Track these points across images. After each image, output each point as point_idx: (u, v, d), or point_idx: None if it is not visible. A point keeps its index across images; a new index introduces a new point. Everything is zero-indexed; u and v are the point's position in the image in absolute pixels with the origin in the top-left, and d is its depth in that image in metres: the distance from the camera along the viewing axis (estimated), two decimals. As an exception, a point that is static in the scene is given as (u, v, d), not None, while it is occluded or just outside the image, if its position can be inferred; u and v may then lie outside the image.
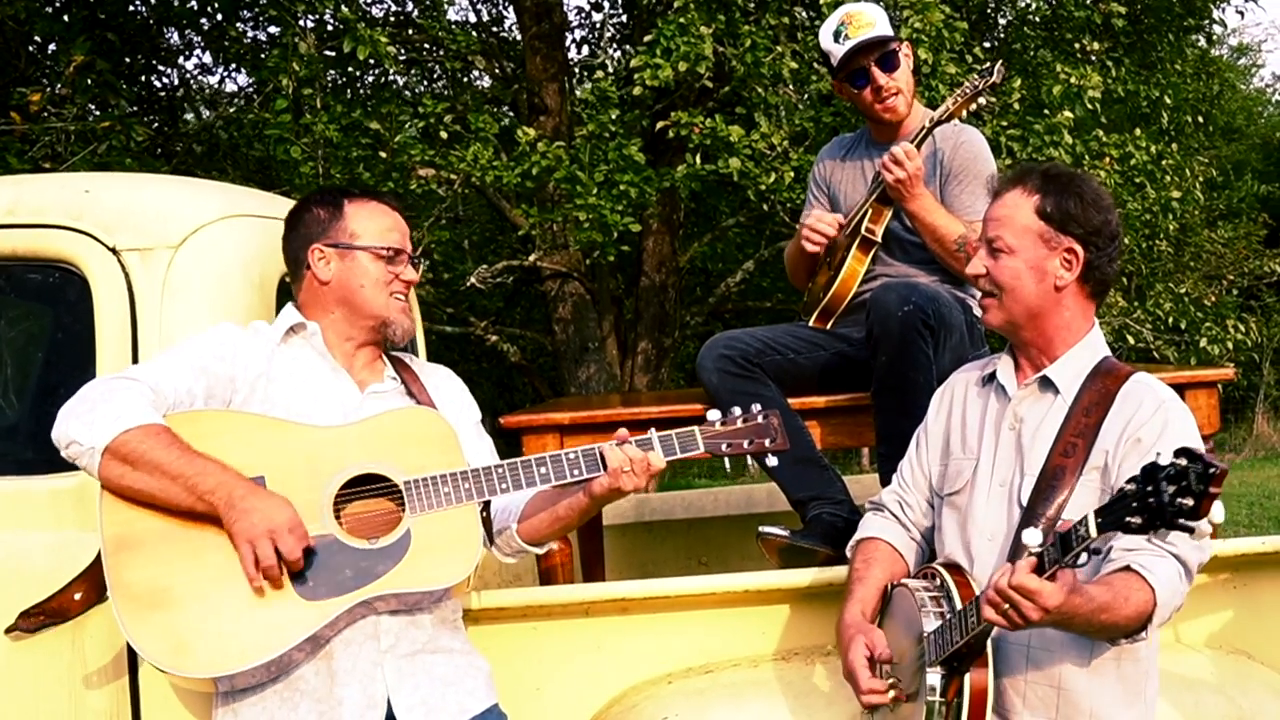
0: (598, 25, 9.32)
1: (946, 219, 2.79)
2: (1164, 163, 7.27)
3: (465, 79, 9.09)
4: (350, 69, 7.85)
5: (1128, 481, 1.54)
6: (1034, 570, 1.64)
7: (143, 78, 8.13)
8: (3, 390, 2.68)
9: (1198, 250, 11.79)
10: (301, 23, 6.75)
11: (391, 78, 8.44)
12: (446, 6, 8.67)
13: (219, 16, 7.50)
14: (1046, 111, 6.72)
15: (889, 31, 2.89)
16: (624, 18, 9.22)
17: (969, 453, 2.09)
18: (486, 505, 2.17)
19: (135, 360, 2.23)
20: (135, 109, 7.53)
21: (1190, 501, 1.47)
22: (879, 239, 2.89)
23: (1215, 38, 10.70)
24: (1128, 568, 1.79)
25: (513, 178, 6.40)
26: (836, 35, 2.89)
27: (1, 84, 6.58)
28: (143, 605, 1.86)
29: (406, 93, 8.93)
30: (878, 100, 2.90)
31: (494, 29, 9.36)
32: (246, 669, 1.86)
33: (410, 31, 8.43)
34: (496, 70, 8.92)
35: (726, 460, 2.13)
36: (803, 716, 2.20)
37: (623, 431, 2.08)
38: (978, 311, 2.38)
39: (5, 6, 6.14)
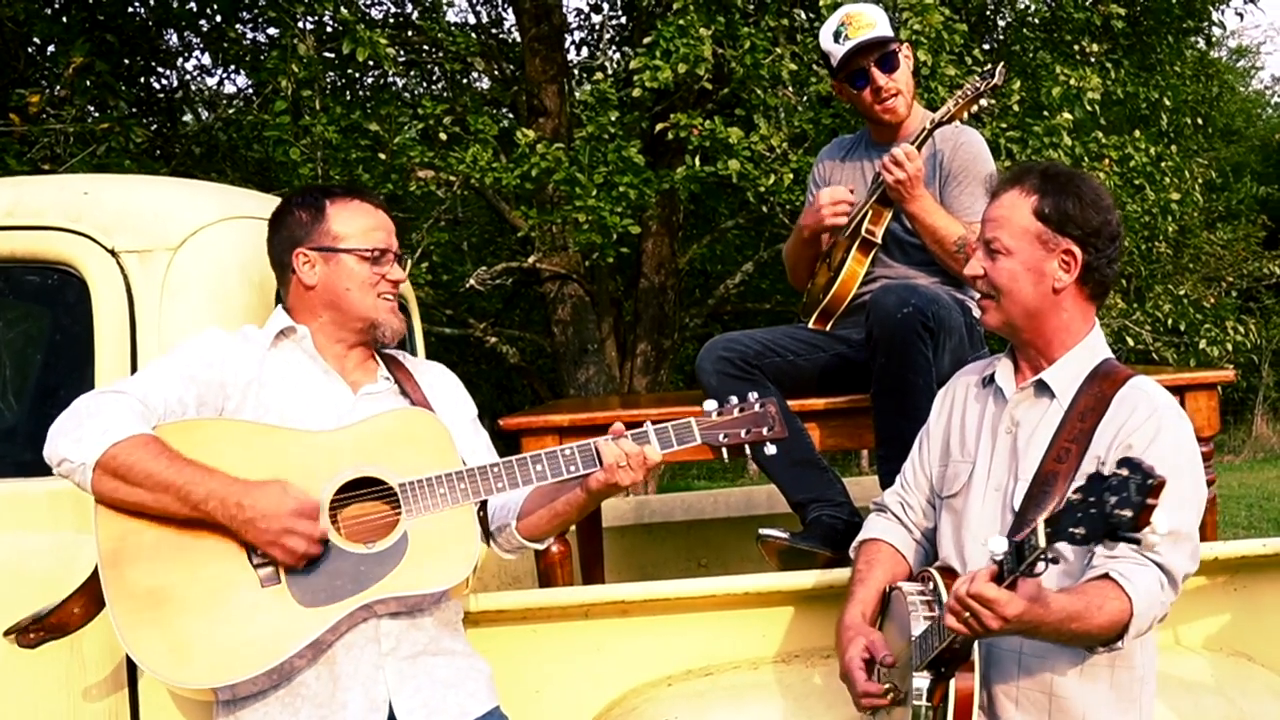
0: (597, 27, 9.32)
1: (947, 220, 2.79)
2: (1163, 164, 7.28)
3: (464, 80, 9.09)
4: (349, 70, 7.84)
5: (1073, 491, 1.51)
6: (994, 579, 1.62)
7: (142, 79, 8.12)
8: (1, 392, 2.68)
9: (1197, 252, 11.79)
10: (300, 24, 6.75)
11: (391, 79, 8.43)
12: (446, 8, 8.69)
13: (218, 18, 7.50)
14: (1046, 113, 6.72)
15: (889, 33, 2.88)
16: (623, 19, 9.22)
17: (967, 455, 2.08)
18: (483, 504, 2.16)
19: (134, 362, 2.22)
20: (134, 110, 7.53)
21: (1129, 513, 1.43)
22: (879, 240, 2.89)
23: (1214, 40, 10.70)
24: (1107, 575, 1.76)
25: (512, 179, 6.39)
26: (836, 36, 2.89)
27: (0, 85, 6.58)
28: (142, 616, 1.85)
29: (406, 94, 8.92)
30: (877, 101, 2.90)
31: (493, 31, 9.35)
32: (247, 678, 1.86)
33: (410, 33, 8.43)
34: (496, 72, 8.92)
35: (724, 451, 2.10)
36: (803, 719, 2.19)
37: (618, 425, 2.06)
38: (977, 313, 2.37)
39: (4, 8, 6.14)
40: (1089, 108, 6.81)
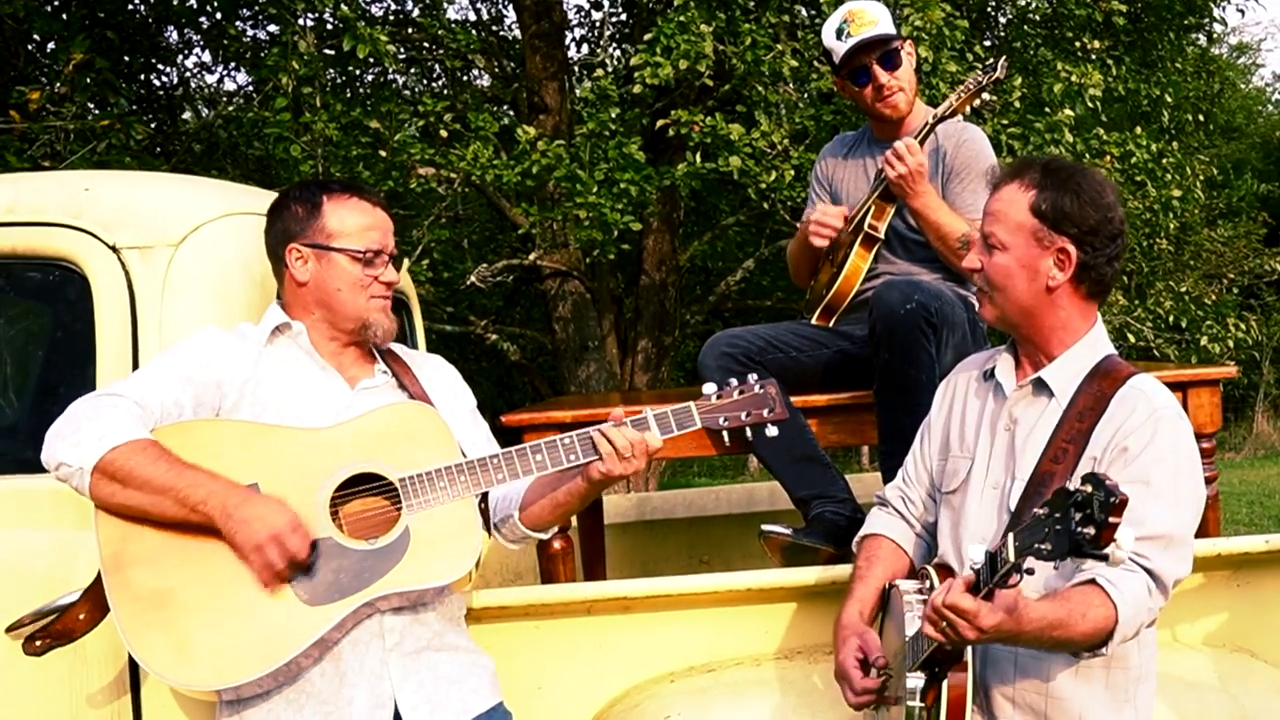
0: (597, 24, 9.31)
1: (950, 216, 2.79)
2: (1164, 161, 7.27)
3: (465, 78, 9.07)
4: (350, 68, 7.83)
5: (1040, 505, 1.50)
6: (970, 589, 1.60)
7: (142, 76, 8.11)
8: (2, 389, 2.67)
9: (1198, 249, 11.79)
10: (301, 21, 6.73)
11: (391, 76, 8.42)
12: (446, 5, 8.66)
13: (218, 15, 7.49)
14: (1047, 110, 6.71)
15: (892, 30, 2.88)
16: (624, 16, 9.21)
17: (966, 451, 2.06)
18: (485, 495, 2.15)
19: (135, 358, 2.22)
20: (134, 107, 7.53)
21: (1091, 530, 1.42)
22: (882, 236, 2.89)
23: (1215, 36, 10.68)
24: (1093, 581, 1.75)
25: (513, 176, 6.39)
26: (839, 33, 2.89)
27: (1, 82, 6.57)
28: (146, 619, 1.85)
29: (406, 91, 8.92)
30: (879, 98, 2.90)
31: (494, 28, 9.34)
32: (253, 679, 1.85)
33: (410, 30, 8.41)
34: (496, 69, 8.91)
35: (725, 435, 2.08)
36: (805, 715, 2.20)
37: (617, 412, 2.05)
38: (980, 309, 2.37)
39: (4, 5, 6.13)
40: (1090, 104, 6.80)
